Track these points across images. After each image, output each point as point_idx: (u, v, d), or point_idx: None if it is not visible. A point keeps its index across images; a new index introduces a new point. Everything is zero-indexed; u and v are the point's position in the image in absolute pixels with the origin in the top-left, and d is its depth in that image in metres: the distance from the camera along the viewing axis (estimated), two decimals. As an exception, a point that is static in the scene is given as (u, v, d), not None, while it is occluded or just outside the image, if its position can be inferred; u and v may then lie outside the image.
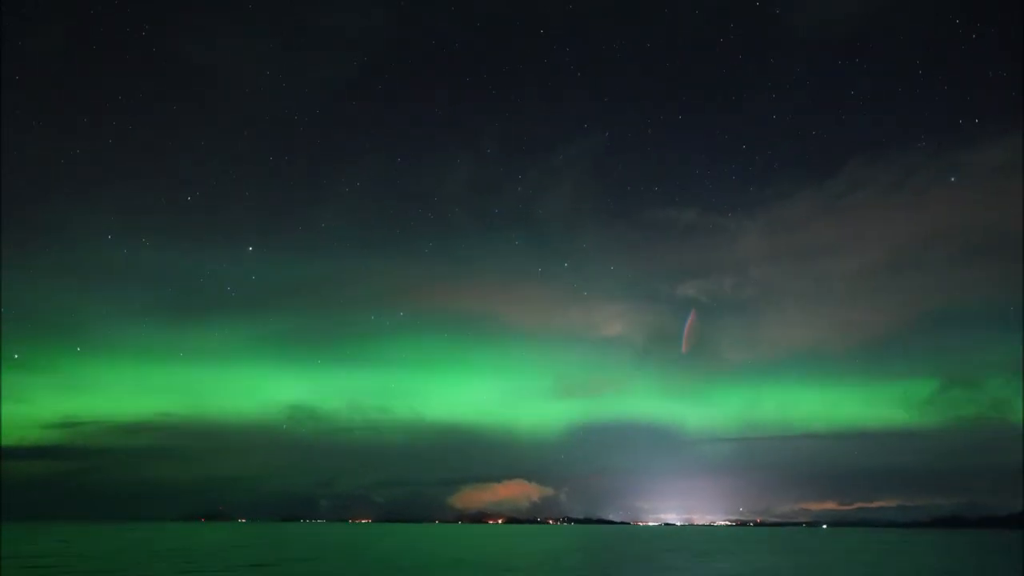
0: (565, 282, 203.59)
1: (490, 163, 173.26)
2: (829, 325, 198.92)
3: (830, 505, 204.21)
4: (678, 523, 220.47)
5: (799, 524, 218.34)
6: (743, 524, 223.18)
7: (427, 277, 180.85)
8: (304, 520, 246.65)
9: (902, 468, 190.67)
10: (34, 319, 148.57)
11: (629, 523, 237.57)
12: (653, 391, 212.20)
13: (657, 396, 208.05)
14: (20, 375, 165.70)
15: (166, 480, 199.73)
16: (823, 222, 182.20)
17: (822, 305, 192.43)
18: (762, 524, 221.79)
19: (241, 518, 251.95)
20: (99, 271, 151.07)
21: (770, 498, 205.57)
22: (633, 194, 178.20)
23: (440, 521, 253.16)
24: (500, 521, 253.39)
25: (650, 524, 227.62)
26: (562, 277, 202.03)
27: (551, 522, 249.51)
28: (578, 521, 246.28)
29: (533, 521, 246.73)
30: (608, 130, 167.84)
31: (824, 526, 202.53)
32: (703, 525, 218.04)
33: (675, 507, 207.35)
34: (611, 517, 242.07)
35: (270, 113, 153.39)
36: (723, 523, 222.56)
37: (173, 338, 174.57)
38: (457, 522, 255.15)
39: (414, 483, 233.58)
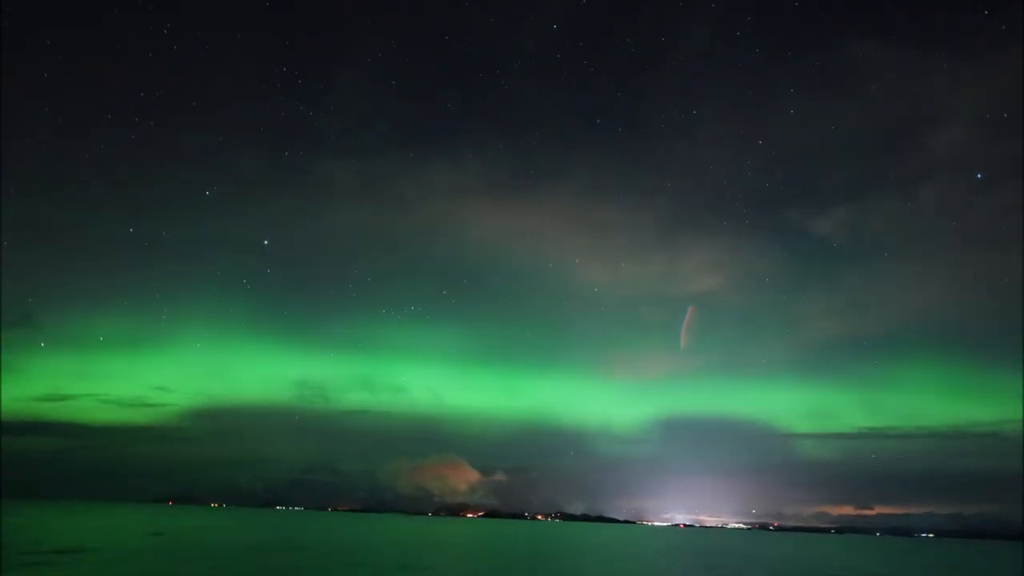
0: (652, 205, 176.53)
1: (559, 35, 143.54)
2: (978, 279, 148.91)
3: (846, 509, 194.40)
4: (690, 524, 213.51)
5: (827, 530, 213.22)
6: (764, 527, 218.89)
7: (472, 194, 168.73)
8: (283, 508, 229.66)
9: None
10: (57, 307, 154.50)
11: (634, 522, 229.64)
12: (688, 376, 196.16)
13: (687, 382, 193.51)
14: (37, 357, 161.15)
15: (145, 460, 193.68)
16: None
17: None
18: (780, 528, 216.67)
19: (214, 502, 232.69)
20: (120, 261, 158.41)
21: (784, 500, 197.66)
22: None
23: (415, 512, 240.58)
24: (480, 514, 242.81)
25: (657, 524, 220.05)
26: (651, 196, 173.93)
27: (540, 518, 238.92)
28: (574, 518, 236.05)
29: (519, 516, 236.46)
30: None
31: (878, 533, 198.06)
32: (715, 527, 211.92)
33: (682, 507, 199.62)
34: (614, 515, 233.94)
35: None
36: (735, 525, 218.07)
37: (191, 329, 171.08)
38: (427, 514, 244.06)
39: (400, 472, 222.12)
